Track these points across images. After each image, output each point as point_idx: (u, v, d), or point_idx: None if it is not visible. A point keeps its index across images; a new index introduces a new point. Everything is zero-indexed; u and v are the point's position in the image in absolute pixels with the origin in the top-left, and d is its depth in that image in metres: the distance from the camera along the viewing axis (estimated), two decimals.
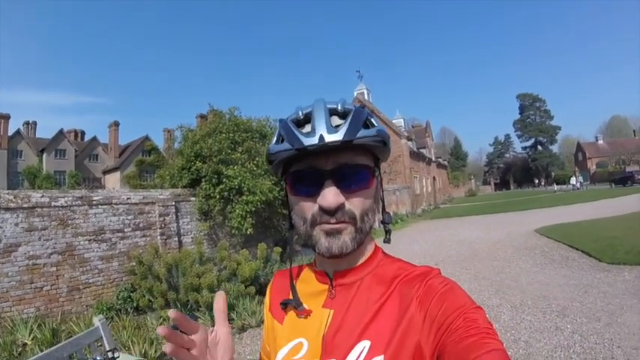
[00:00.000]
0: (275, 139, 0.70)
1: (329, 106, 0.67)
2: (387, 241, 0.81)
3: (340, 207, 0.65)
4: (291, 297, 0.76)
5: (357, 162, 0.67)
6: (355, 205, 0.67)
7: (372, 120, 0.69)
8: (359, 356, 0.63)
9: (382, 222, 0.78)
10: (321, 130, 0.63)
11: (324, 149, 0.63)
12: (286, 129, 0.67)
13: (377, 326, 0.65)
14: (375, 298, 0.68)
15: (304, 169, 0.68)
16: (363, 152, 0.68)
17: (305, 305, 0.74)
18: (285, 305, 0.76)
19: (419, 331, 0.62)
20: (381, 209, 0.78)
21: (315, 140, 0.62)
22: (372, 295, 0.69)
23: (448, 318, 0.59)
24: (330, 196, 0.64)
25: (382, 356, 0.61)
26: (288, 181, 0.71)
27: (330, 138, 0.62)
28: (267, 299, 0.86)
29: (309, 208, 0.67)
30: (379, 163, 0.74)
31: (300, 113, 0.68)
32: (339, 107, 0.67)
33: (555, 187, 45.02)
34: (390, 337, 0.63)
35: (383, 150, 0.70)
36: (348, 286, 0.71)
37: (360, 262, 0.73)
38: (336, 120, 0.66)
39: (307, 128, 0.66)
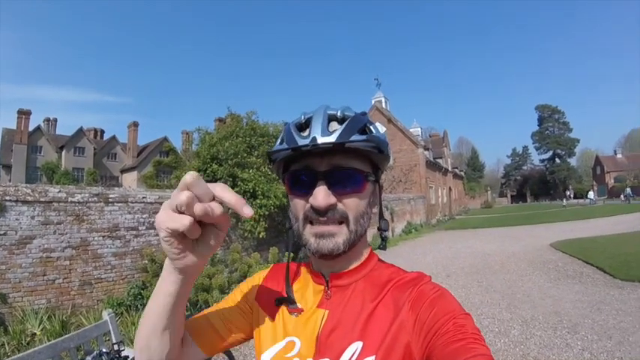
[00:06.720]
0: (279, 140, 0.73)
1: (329, 112, 0.70)
2: (382, 247, 0.83)
3: (331, 207, 0.67)
4: (285, 294, 0.77)
5: (350, 165, 0.69)
6: (348, 206, 0.69)
7: (372, 127, 0.71)
8: (352, 357, 0.64)
9: (379, 228, 0.80)
10: (316, 132, 0.66)
11: (319, 151, 0.66)
12: (287, 131, 0.71)
13: (370, 328, 0.67)
14: (369, 300, 0.70)
15: (300, 169, 0.71)
16: (358, 157, 0.70)
17: (299, 304, 0.75)
18: (279, 302, 0.77)
19: (409, 333, 0.64)
20: (378, 216, 0.81)
21: (307, 141, 0.65)
22: (367, 298, 0.71)
23: (437, 322, 0.61)
24: (321, 196, 0.66)
25: (374, 357, 0.63)
26: (286, 181, 0.74)
27: (322, 140, 0.65)
28: (256, 282, 0.85)
29: (302, 207, 0.70)
30: (379, 172, 0.76)
31: (303, 118, 0.72)
32: (339, 113, 0.69)
33: (565, 201, 43.18)
34: (382, 338, 0.64)
35: (380, 157, 0.72)
36: (344, 287, 0.74)
37: (356, 265, 0.76)
38: (334, 125, 0.69)
39: (307, 132, 0.68)
